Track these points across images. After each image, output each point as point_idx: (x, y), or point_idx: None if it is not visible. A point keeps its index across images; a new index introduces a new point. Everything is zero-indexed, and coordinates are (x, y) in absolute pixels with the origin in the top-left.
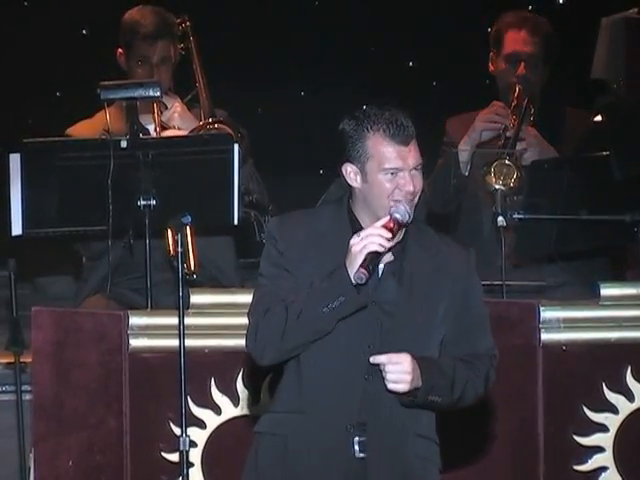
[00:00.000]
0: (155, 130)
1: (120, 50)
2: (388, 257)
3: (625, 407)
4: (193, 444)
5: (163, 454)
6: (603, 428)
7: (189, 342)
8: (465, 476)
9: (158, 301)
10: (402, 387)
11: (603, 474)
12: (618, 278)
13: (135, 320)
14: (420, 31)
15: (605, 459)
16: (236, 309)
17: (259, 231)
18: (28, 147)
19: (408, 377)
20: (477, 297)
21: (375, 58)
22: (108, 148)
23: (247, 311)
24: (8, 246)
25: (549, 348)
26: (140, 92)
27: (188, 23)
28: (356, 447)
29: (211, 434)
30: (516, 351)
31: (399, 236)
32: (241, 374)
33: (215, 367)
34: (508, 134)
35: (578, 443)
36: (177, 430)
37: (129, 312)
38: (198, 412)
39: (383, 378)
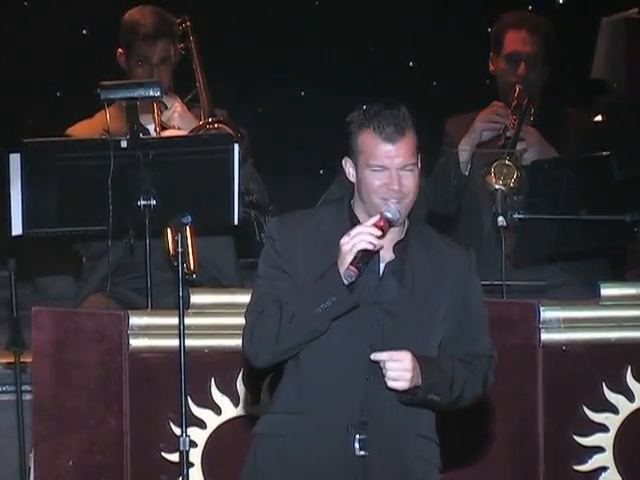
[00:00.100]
0: (155, 130)
1: (120, 50)
2: (389, 256)
3: (625, 407)
4: (193, 444)
5: (163, 454)
6: (603, 428)
7: (189, 342)
8: (465, 476)
9: (158, 301)
10: (402, 384)
11: (603, 474)
12: (618, 278)
13: (135, 320)
14: (420, 31)
15: (605, 459)
16: (236, 309)
17: (259, 231)
18: (28, 147)
19: (408, 375)
20: (477, 298)
21: (375, 58)
22: (108, 148)
23: (244, 312)
24: (8, 246)
25: (549, 348)
26: (140, 92)
27: (188, 23)
28: (356, 445)
29: (211, 434)
30: (516, 351)
31: (400, 236)
32: (241, 374)
33: (215, 367)
34: (508, 134)
35: (578, 443)
36: (177, 430)
37: (129, 312)
38: (198, 412)
39: (384, 378)
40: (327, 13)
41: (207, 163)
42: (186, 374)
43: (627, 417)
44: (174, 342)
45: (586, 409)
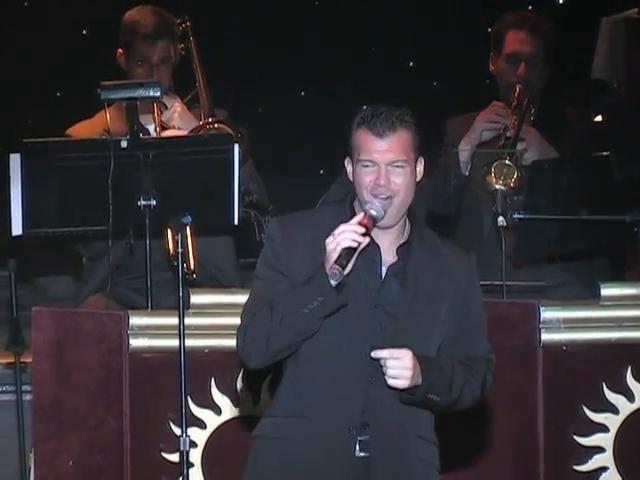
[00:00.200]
0: (155, 130)
1: (120, 50)
2: (391, 259)
3: (625, 407)
4: (193, 444)
5: (163, 454)
6: (603, 428)
7: (189, 342)
8: (465, 476)
9: (158, 301)
10: (402, 383)
11: (603, 474)
12: (618, 278)
13: (135, 320)
14: (420, 31)
15: (605, 459)
16: (236, 309)
17: (259, 231)
18: (28, 147)
19: (409, 373)
20: (477, 301)
21: (375, 58)
22: (108, 148)
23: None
24: (8, 246)
25: (549, 348)
26: (140, 92)
27: (188, 23)
28: (357, 446)
29: (211, 434)
30: (516, 351)
31: (402, 238)
32: (241, 374)
33: (215, 367)
34: (508, 134)
35: (578, 443)
36: (177, 430)
37: (129, 312)
38: (198, 412)
39: (385, 379)
40: (327, 13)
41: (207, 163)
42: (186, 374)
43: (627, 417)
44: (174, 342)
45: (586, 409)
